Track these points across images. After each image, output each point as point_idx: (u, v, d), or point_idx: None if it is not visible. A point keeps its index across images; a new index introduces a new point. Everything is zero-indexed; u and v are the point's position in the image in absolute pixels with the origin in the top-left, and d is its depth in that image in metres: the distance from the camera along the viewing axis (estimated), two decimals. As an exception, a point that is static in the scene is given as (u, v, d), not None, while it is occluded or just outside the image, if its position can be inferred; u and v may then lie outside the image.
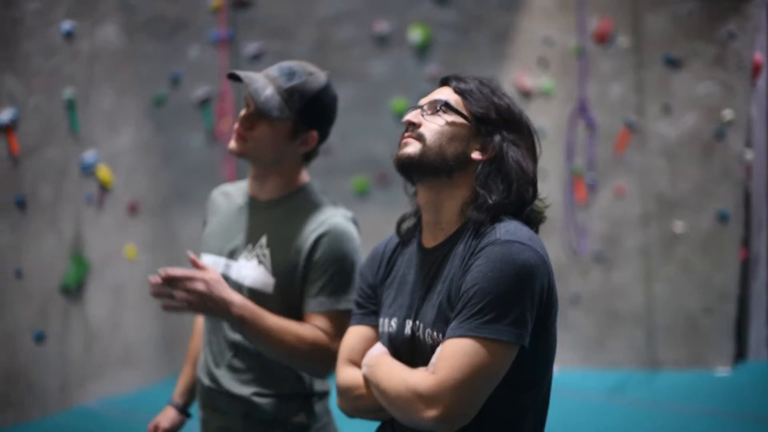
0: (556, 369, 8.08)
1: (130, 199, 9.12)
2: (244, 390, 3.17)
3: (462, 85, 2.63)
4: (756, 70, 9.65)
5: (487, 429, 2.40)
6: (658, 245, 9.83)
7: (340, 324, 3.04)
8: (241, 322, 2.93)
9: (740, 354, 10.24)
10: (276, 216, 3.21)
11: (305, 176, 3.33)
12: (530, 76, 10.15)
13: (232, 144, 3.18)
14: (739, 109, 9.52)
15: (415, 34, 10.25)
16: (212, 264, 3.27)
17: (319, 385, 3.23)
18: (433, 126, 2.55)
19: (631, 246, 9.88)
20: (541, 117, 9.96)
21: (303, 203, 3.21)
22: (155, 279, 2.89)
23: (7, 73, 7.55)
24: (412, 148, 2.54)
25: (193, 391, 3.50)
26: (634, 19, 9.68)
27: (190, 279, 2.87)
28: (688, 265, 9.77)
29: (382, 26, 10.27)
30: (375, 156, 10.21)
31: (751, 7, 9.45)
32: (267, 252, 3.15)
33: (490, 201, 2.48)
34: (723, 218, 9.63)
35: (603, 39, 9.70)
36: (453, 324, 2.35)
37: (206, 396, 3.30)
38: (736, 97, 9.52)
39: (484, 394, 2.31)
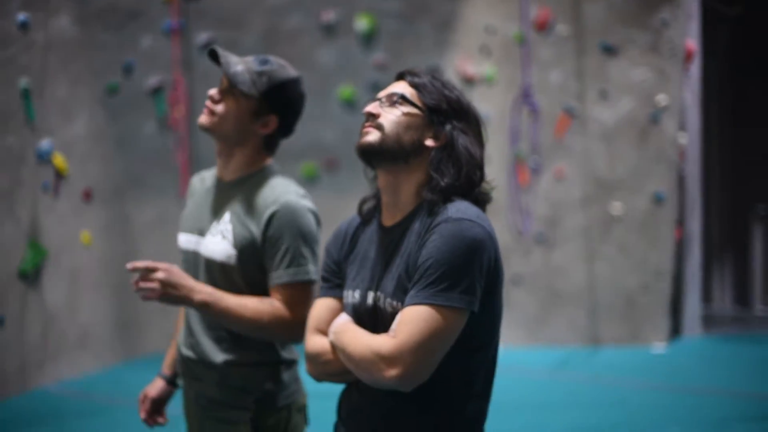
0: (501, 347, 8.40)
1: (85, 186, 9.24)
2: (218, 358, 3.44)
3: (416, 79, 2.87)
4: (689, 56, 9.96)
5: (442, 387, 2.65)
6: (597, 226, 10.10)
7: (299, 294, 3.32)
8: (203, 306, 3.25)
9: (676, 330, 10.57)
10: (237, 194, 3.47)
11: (267, 161, 3.58)
12: (473, 63, 10.37)
13: (201, 118, 3.45)
14: (673, 95, 9.84)
15: (361, 23, 10.43)
16: (185, 242, 3.54)
17: (286, 354, 3.50)
18: (390, 116, 2.79)
19: (571, 227, 10.15)
20: (484, 103, 10.19)
21: (262, 182, 3.46)
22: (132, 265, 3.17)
23: (-37, 63, 7.67)
24: (373, 136, 2.78)
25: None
26: (573, 7, 9.92)
27: (152, 270, 3.17)
28: (625, 245, 10.07)
29: (329, 15, 10.45)
30: (323, 142, 10.40)
31: (684, -5, 9.76)
32: (229, 227, 3.41)
33: (442, 183, 2.72)
34: (658, 200, 9.94)
35: (543, 27, 9.95)
36: (411, 293, 2.60)
37: (185, 366, 3.56)
38: (670, 83, 9.84)
39: (439, 355, 2.57)
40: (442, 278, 2.56)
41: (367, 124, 2.83)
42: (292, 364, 3.53)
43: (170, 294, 3.19)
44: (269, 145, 3.55)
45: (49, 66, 8.70)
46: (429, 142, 2.78)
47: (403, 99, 2.82)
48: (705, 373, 9.04)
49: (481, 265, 2.61)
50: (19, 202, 8.30)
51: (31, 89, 8.36)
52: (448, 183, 2.74)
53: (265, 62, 3.45)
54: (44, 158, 8.55)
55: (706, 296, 13.53)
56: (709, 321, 11.95)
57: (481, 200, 2.83)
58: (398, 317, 2.60)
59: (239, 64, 3.42)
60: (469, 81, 10.39)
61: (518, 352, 9.97)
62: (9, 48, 8.15)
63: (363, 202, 2.97)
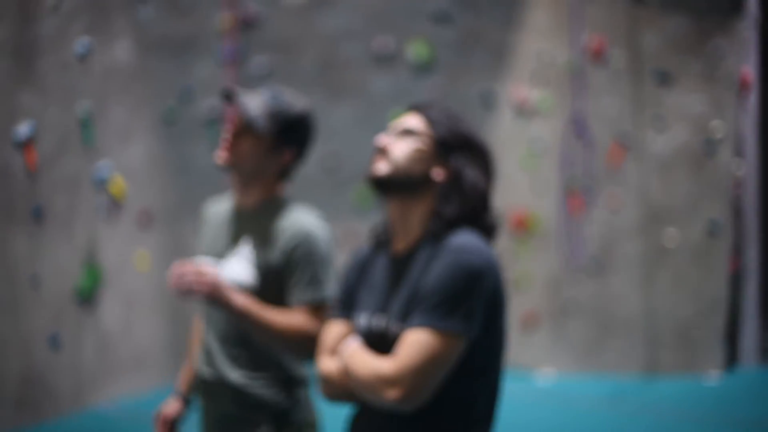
0: (554, 374, 8.35)
1: (141, 211, 9.42)
2: (234, 375, 3.57)
3: (426, 113, 2.97)
4: (745, 85, 9.90)
5: (445, 410, 2.73)
6: (652, 255, 10.06)
7: (318, 312, 3.47)
8: (243, 310, 3.38)
9: (732, 360, 10.47)
10: (256, 220, 3.62)
11: (282, 189, 3.72)
12: (527, 91, 10.41)
13: (219, 155, 3.60)
14: (729, 124, 9.78)
15: (416, 51, 10.52)
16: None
17: (298, 372, 3.63)
18: (401, 148, 2.90)
19: (625, 256, 10.12)
20: (538, 131, 10.25)
21: (280, 209, 3.61)
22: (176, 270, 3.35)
23: (24, 88, 7.84)
24: (382, 167, 2.89)
25: (193, 382, 3.87)
26: (628, 35, 9.92)
27: (203, 273, 3.34)
28: (680, 275, 10.01)
29: (383, 43, 10.55)
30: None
31: (740, 24, 9.71)
32: (249, 252, 3.57)
33: (448, 214, 2.81)
34: (714, 229, 9.88)
35: (598, 55, 9.95)
36: (413, 317, 2.70)
37: (204, 386, 3.68)
38: (725, 112, 9.78)
39: (437, 378, 2.65)
40: (443, 304, 2.66)
41: (378, 155, 2.94)
42: (303, 381, 3.66)
43: (217, 294, 3.33)
44: (285, 174, 3.69)
45: (108, 92, 8.90)
46: (437, 174, 2.87)
47: (413, 132, 2.92)
48: (760, 405, 8.94)
49: (481, 293, 2.69)
50: (77, 225, 8.47)
51: (89, 115, 8.55)
52: (453, 214, 2.82)
53: (278, 98, 3.59)
54: (102, 182, 8.72)
55: (766, 327, 13.37)
56: (768, 352, 11.80)
57: (486, 230, 2.88)
58: (401, 341, 2.70)
59: (254, 104, 3.55)
60: (522, 109, 10.43)
61: (571, 380, 9.97)
62: (69, 74, 8.34)
63: (375, 230, 3.08)
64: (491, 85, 10.67)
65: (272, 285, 3.53)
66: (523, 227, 10.46)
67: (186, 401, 3.89)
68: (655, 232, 10.05)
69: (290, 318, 3.44)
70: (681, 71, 9.89)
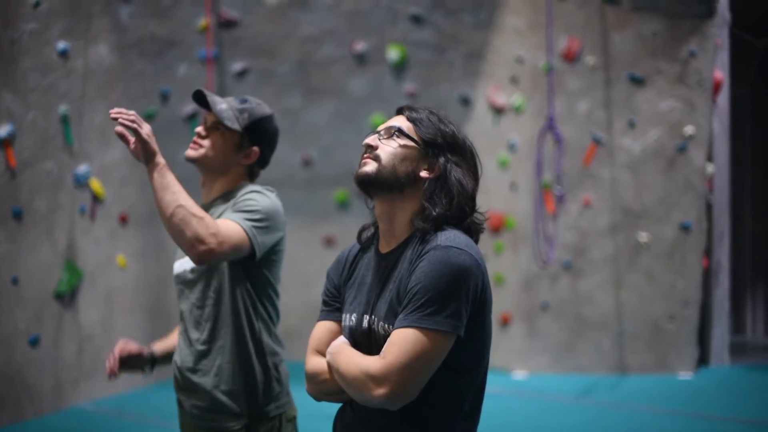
0: (526, 374, 8.47)
1: (121, 210, 9.45)
2: (212, 362, 3.70)
3: (414, 114, 3.00)
4: (716, 87, 10.03)
5: (431, 407, 2.77)
6: (624, 254, 10.16)
7: (228, 227, 3.52)
8: (156, 165, 3.44)
9: (703, 359, 10.59)
10: (218, 207, 3.77)
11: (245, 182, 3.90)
12: (502, 93, 10.49)
13: (189, 151, 3.83)
14: (700, 125, 9.90)
15: (393, 53, 10.59)
16: (178, 266, 3.84)
17: (276, 358, 3.77)
18: (388, 148, 2.94)
19: (598, 255, 10.21)
20: (513, 132, 10.34)
21: (237, 190, 3.78)
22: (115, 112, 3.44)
23: (4, 90, 7.86)
24: (370, 167, 2.94)
25: (164, 356, 4.01)
26: (601, 38, 10.02)
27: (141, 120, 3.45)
28: (652, 274, 10.11)
29: (361, 45, 10.62)
30: (355, 169, 10.52)
31: (711, 27, 9.83)
32: None
33: (434, 213, 2.84)
34: (685, 229, 9.99)
35: (571, 57, 10.04)
36: (400, 317, 2.72)
37: (181, 378, 3.80)
38: (697, 113, 9.90)
39: (425, 376, 2.68)
40: (429, 303, 2.67)
41: (365, 155, 2.98)
42: (279, 357, 3.79)
43: (146, 142, 3.41)
44: (251, 175, 3.89)
45: (88, 93, 8.92)
46: (423, 174, 2.91)
47: (400, 132, 2.95)
48: (729, 402, 9.02)
49: (468, 291, 2.71)
50: (57, 225, 8.50)
51: (69, 116, 8.58)
52: (440, 213, 2.85)
53: (244, 101, 3.82)
54: (82, 182, 8.76)
55: (738, 326, 13.53)
56: (739, 351, 11.92)
57: (472, 230, 2.92)
58: (388, 339, 2.72)
59: (223, 103, 3.77)
60: (498, 110, 10.52)
61: (544, 379, 10.06)
62: (49, 75, 8.37)
63: (362, 229, 3.12)
64: (467, 87, 10.76)
65: (234, 262, 3.68)
66: (498, 228, 10.55)
67: (151, 357, 3.98)
68: (628, 232, 10.15)
69: (196, 205, 3.46)
70: (653, 73, 9.99)
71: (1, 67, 7.83)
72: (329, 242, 11.11)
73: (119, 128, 3.40)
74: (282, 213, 3.74)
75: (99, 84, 9.09)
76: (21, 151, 8.03)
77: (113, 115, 3.47)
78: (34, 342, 8.18)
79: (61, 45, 8.50)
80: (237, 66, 10.41)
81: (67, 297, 8.64)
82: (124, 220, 9.51)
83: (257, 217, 3.60)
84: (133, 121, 3.39)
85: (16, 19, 7.99)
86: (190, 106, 10.24)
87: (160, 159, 3.45)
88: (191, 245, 3.42)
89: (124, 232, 9.58)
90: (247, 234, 3.55)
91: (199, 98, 3.79)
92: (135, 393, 9.56)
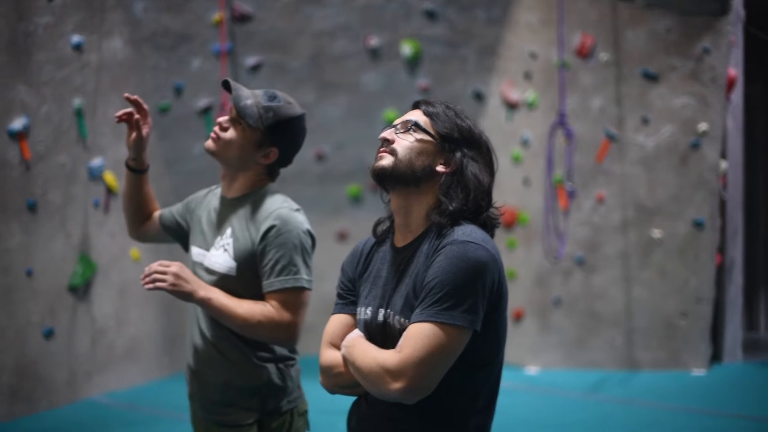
0: (539, 369, 8.45)
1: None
2: (226, 356, 3.69)
3: (430, 108, 2.99)
4: (730, 84, 10.01)
5: (447, 401, 2.76)
6: (637, 251, 10.15)
7: (291, 300, 3.57)
8: (204, 301, 3.53)
9: (716, 356, 10.57)
10: (238, 209, 3.72)
11: (266, 184, 3.82)
12: (516, 88, 10.48)
13: (207, 143, 3.74)
14: (713, 121, 9.88)
15: (407, 48, 10.59)
16: (196, 254, 3.81)
17: (288, 352, 3.76)
18: (404, 143, 2.92)
19: (610, 251, 10.20)
20: (526, 128, 10.34)
21: (260, 199, 3.71)
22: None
23: (19, 83, 7.89)
24: (386, 161, 2.92)
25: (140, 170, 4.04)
26: (614, 34, 10.00)
27: (167, 265, 3.50)
28: (665, 270, 10.09)
29: (374, 40, 10.62)
30: (368, 164, 10.45)
31: (725, 24, 9.81)
32: (230, 241, 3.68)
33: (450, 207, 2.83)
34: (698, 225, 9.97)
35: (584, 54, 10.03)
36: (416, 311, 2.71)
37: (193, 374, 3.80)
38: (710, 110, 9.88)
39: (441, 371, 2.67)
40: (446, 297, 2.66)
41: (381, 149, 2.97)
42: (293, 362, 3.76)
43: (179, 285, 3.48)
44: (270, 173, 3.81)
45: (102, 87, 8.94)
46: (440, 168, 2.90)
47: (417, 126, 2.94)
48: (742, 399, 9.00)
49: (484, 286, 2.70)
50: (71, 217, 8.53)
51: (84, 109, 8.61)
52: (456, 207, 2.84)
53: (273, 98, 3.70)
54: (95, 176, 8.79)
55: (752, 323, 13.50)
56: (752, 348, 11.88)
57: (488, 224, 2.91)
58: (404, 334, 2.72)
59: (249, 98, 3.67)
60: (511, 106, 10.52)
61: (556, 374, 10.06)
62: (63, 69, 8.40)
63: (378, 223, 3.11)
64: (481, 82, 10.76)
65: (251, 272, 3.63)
66: (511, 223, 10.55)
67: (142, 162, 4.03)
68: (641, 228, 10.14)
69: (255, 308, 3.54)
70: (667, 70, 9.98)
71: (16, 61, 7.86)
72: (342, 237, 11.12)
73: (149, 285, 3.52)
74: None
75: (113, 78, 9.11)
76: (35, 144, 8.06)
77: (128, 98, 3.65)
78: (48, 334, 8.22)
79: (76, 38, 8.52)
80: (251, 60, 10.42)
81: (81, 290, 8.67)
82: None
83: (304, 257, 3.62)
84: (156, 279, 3.48)
85: (30, 13, 8.01)
86: (204, 100, 10.25)
87: (198, 296, 3.53)
88: (274, 343, 3.66)
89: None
90: (306, 288, 3.61)
91: (227, 86, 3.73)
92: (148, 386, 9.60)
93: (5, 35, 7.72)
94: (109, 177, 8.99)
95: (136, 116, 3.87)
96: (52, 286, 8.31)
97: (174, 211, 4.08)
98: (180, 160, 10.15)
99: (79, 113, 8.59)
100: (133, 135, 3.90)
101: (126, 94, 3.85)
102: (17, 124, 7.81)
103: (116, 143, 9.05)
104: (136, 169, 4.02)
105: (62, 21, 8.38)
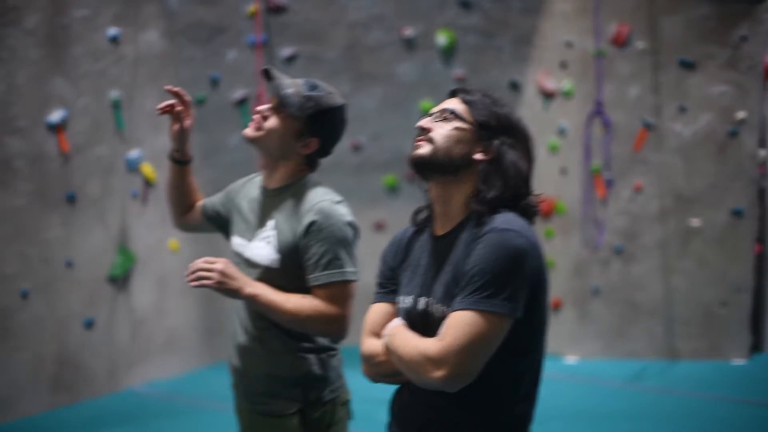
0: (577, 359, 8.41)
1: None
2: (269, 346, 3.70)
3: (468, 96, 2.99)
4: (767, 72, 9.93)
5: (489, 389, 2.77)
6: (675, 240, 10.09)
7: (337, 293, 3.56)
8: (251, 298, 3.53)
9: (756, 346, 10.50)
10: (280, 201, 3.71)
11: (307, 174, 3.80)
12: (551, 78, 10.45)
13: (248, 130, 3.72)
14: (751, 110, 9.81)
15: (442, 38, 10.58)
16: (238, 244, 3.81)
17: (328, 342, 3.77)
18: (442, 131, 2.92)
19: (649, 240, 10.15)
20: (562, 118, 10.30)
21: (302, 191, 3.69)
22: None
23: (57, 76, 7.97)
24: (424, 149, 2.91)
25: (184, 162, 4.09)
26: (651, 23, 9.94)
27: (212, 262, 3.48)
28: (704, 260, 10.04)
29: (409, 30, 10.61)
30: (404, 154, 10.42)
31: (763, 12, 9.73)
32: (273, 233, 3.67)
33: (489, 195, 2.82)
34: (737, 214, 9.91)
35: (620, 42, 9.98)
36: (457, 299, 2.71)
37: (235, 365, 3.82)
38: (748, 98, 9.80)
39: (483, 358, 2.67)
40: (487, 285, 2.66)
41: (419, 137, 2.96)
42: (334, 352, 3.77)
43: (225, 283, 3.47)
44: (310, 164, 3.78)
45: (139, 79, 8.99)
46: (478, 156, 2.89)
47: (454, 114, 2.94)
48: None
49: (524, 274, 2.70)
50: (109, 209, 8.60)
51: (121, 101, 8.67)
52: (495, 195, 2.83)
53: (314, 88, 3.69)
54: (133, 167, 8.85)
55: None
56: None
57: (528, 212, 2.90)
58: (445, 322, 2.71)
59: (291, 87, 3.66)
60: (548, 95, 10.49)
61: (595, 364, 10.03)
62: (100, 61, 8.45)
63: (417, 212, 3.11)
64: (516, 72, 10.73)
65: (294, 265, 3.62)
66: (549, 213, 10.53)
67: (185, 153, 4.08)
68: (679, 217, 10.08)
69: (303, 302, 3.54)
70: (704, 58, 9.91)
71: (53, 54, 7.93)
72: (379, 227, 11.13)
73: (194, 283, 3.49)
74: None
75: (149, 70, 9.16)
76: (73, 136, 8.13)
77: (169, 90, 3.70)
78: (89, 325, 8.30)
79: (112, 31, 8.58)
80: (286, 52, 10.44)
81: (120, 281, 8.74)
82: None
83: (348, 249, 3.60)
84: (202, 277, 3.47)
85: (67, 6, 8.08)
86: (240, 92, 10.28)
87: (245, 292, 3.53)
88: (323, 336, 3.68)
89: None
90: (351, 280, 3.59)
91: (268, 75, 3.72)
92: (188, 376, 9.65)
93: (43, 29, 7.78)
94: (147, 168, 9.04)
95: (178, 108, 3.89)
96: (91, 277, 8.39)
97: (215, 200, 4.09)
98: (216, 151, 10.18)
99: (116, 105, 8.65)
100: (176, 126, 3.92)
101: (167, 86, 3.87)
102: (55, 116, 7.88)
103: (153, 135, 9.10)
104: (180, 160, 4.05)
105: (98, 14, 8.44)
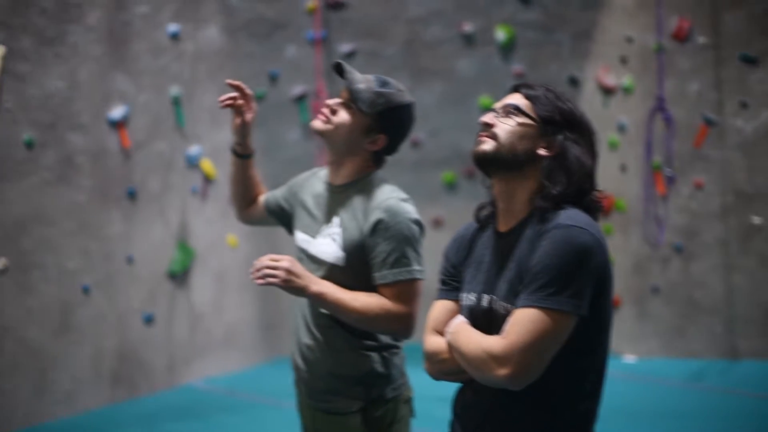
0: (636, 358, 8.32)
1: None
2: (331, 345, 3.69)
3: (531, 92, 2.96)
4: (832, 66, 9.79)
5: (553, 387, 2.74)
6: (737, 237, 9.97)
7: (405, 291, 3.54)
8: (318, 296, 3.51)
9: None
10: (345, 198, 3.70)
11: (373, 171, 3.78)
12: (611, 73, 10.37)
13: (316, 122, 3.71)
14: (814, 105, 9.68)
15: (501, 34, 10.54)
16: (302, 240, 3.81)
17: (391, 340, 3.75)
18: (505, 126, 2.89)
19: (709, 238, 10.04)
20: (622, 114, 10.21)
21: (368, 188, 3.68)
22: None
23: (118, 72, 8.04)
24: (488, 145, 2.88)
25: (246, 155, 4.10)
26: (712, 17, 9.84)
27: (277, 259, 3.45)
28: (765, 257, 9.91)
29: (468, 26, 10.58)
30: (463, 151, 10.50)
31: (827, 5, 9.60)
32: (338, 231, 3.66)
33: (553, 191, 2.80)
34: (800, 212, 9.79)
35: (681, 37, 9.88)
36: (522, 296, 2.69)
37: (297, 362, 3.82)
38: (811, 93, 9.67)
39: (547, 356, 2.65)
40: (552, 282, 2.64)
41: (482, 133, 2.93)
42: (397, 350, 3.75)
43: (291, 281, 3.44)
44: (377, 160, 3.77)
45: (198, 75, 9.06)
46: (542, 152, 2.87)
47: (518, 110, 2.91)
48: None
49: (590, 271, 2.68)
50: (169, 205, 8.66)
51: (181, 97, 8.72)
52: (560, 191, 2.81)
53: (384, 84, 3.67)
54: (193, 163, 8.90)
55: None
56: None
57: (592, 208, 2.88)
58: (509, 319, 2.70)
59: (362, 83, 3.64)
60: (607, 91, 10.41)
61: (654, 363, 9.95)
62: (160, 57, 8.52)
63: (480, 208, 3.08)
64: (576, 68, 10.67)
65: (359, 263, 3.61)
66: (608, 210, 10.45)
67: (247, 147, 4.08)
68: (740, 214, 9.96)
69: (371, 301, 3.52)
70: (766, 53, 9.78)
71: (115, 51, 8.00)
72: (437, 224, 11.11)
73: (260, 281, 3.44)
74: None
75: (209, 66, 9.22)
76: (134, 133, 8.20)
77: (230, 84, 3.74)
78: (149, 320, 8.36)
79: (172, 27, 8.64)
80: (345, 47, 10.45)
81: (179, 276, 8.79)
82: (234, 200, 9.63)
83: (415, 247, 3.58)
84: (268, 275, 3.43)
85: (128, 3, 8.15)
86: (299, 88, 10.31)
87: (311, 290, 3.50)
88: (391, 335, 3.67)
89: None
90: (418, 278, 3.57)
91: (339, 69, 3.70)
92: (246, 372, 9.70)
93: (104, 26, 7.85)
94: (207, 164, 9.09)
95: (240, 101, 3.90)
96: (151, 272, 8.46)
97: (278, 195, 4.08)
98: (275, 147, 10.22)
99: (176, 101, 8.71)
100: (238, 120, 3.93)
101: (228, 80, 3.88)
102: (117, 113, 7.95)
103: (213, 131, 9.15)
104: (242, 154, 4.05)
105: (159, 10, 8.50)
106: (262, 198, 4.16)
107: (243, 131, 3.97)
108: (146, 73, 8.38)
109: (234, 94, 3.89)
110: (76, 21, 7.54)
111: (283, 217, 4.05)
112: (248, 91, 3.91)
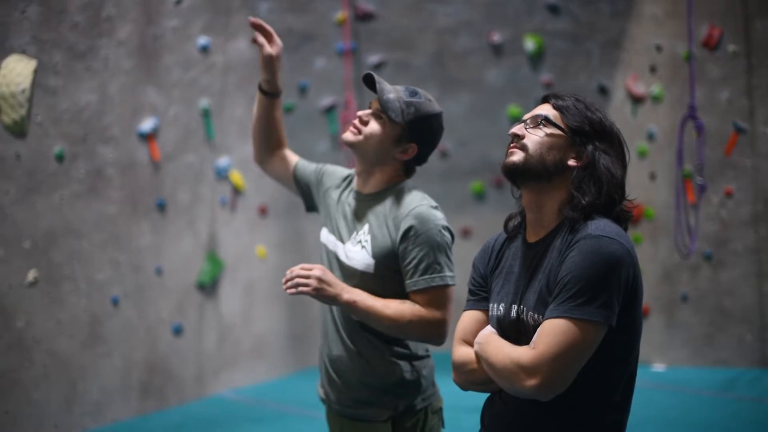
0: (665, 367, 8.27)
1: (260, 202, 9.60)
2: (361, 353, 3.70)
3: (560, 102, 2.97)
4: None
5: (582, 397, 2.74)
6: (767, 246, 9.90)
7: (437, 297, 3.56)
8: (350, 304, 3.53)
9: None
10: (375, 205, 3.72)
11: (403, 180, 3.81)
12: (641, 82, 10.34)
13: (347, 134, 3.73)
14: None
15: (530, 43, 10.53)
16: (326, 238, 3.84)
17: (421, 351, 3.76)
18: (534, 137, 2.90)
19: (740, 246, 9.97)
20: (651, 122, 10.17)
21: (398, 195, 3.70)
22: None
23: (149, 85, 8.07)
24: (517, 156, 2.89)
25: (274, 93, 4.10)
26: (743, 25, 9.78)
27: (309, 269, 3.48)
28: (797, 266, 9.85)
29: (497, 36, 10.58)
30: (492, 161, 10.51)
31: None
32: (368, 238, 3.67)
33: (583, 202, 2.81)
34: (832, 220, 9.71)
35: (711, 45, 9.83)
36: (551, 307, 2.69)
37: (326, 372, 3.83)
38: (843, 101, 9.60)
39: (576, 367, 2.65)
40: (581, 293, 2.64)
41: (512, 144, 2.94)
42: (427, 360, 3.75)
43: (323, 290, 3.47)
44: (407, 170, 3.80)
45: (228, 87, 9.08)
46: (571, 162, 2.87)
47: (547, 121, 2.92)
48: None
49: (619, 281, 2.67)
50: (199, 216, 8.69)
51: (210, 109, 8.75)
52: (589, 201, 2.81)
53: (414, 94, 3.70)
54: (222, 175, 8.93)
55: None
56: None
57: (622, 218, 2.88)
58: (538, 330, 2.70)
59: (392, 93, 3.66)
60: (637, 100, 10.37)
61: (684, 372, 9.89)
62: (190, 70, 8.55)
63: (509, 219, 3.08)
64: (605, 77, 10.64)
65: (389, 270, 3.62)
66: (637, 218, 10.40)
67: (276, 85, 4.08)
68: (771, 222, 9.90)
69: (403, 308, 3.54)
70: (798, 60, 9.73)
71: (146, 63, 8.03)
72: (466, 233, 11.10)
73: (292, 291, 3.47)
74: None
75: (238, 78, 9.24)
76: (164, 145, 8.23)
77: (252, 23, 3.85)
78: (178, 331, 8.38)
79: (202, 40, 8.67)
80: (374, 58, 10.47)
81: (208, 287, 8.81)
82: (263, 211, 9.65)
83: (446, 253, 3.60)
84: (299, 284, 3.46)
85: (159, 17, 8.18)
86: (328, 99, 10.34)
87: (343, 299, 3.53)
88: (423, 341, 3.67)
89: (264, 224, 9.73)
90: (450, 285, 3.59)
91: (369, 81, 3.72)
92: (275, 382, 9.70)
93: (135, 39, 7.89)
94: (236, 176, 9.12)
95: (260, 39, 3.93)
96: (180, 283, 8.48)
97: (309, 170, 4.10)
98: (304, 158, 10.16)
99: (205, 114, 8.74)
100: (264, 53, 3.94)
101: (250, 18, 3.93)
102: (147, 125, 7.98)
103: (242, 143, 9.17)
104: (269, 92, 4.06)
105: (189, 24, 8.53)
106: (294, 161, 4.17)
107: (269, 66, 3.98)
108: (176, 86, 8.41)
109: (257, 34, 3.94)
110: (107, 35, 7.58)
111: (305, 194, 4.09)
112: (267, 27, 3.93)
